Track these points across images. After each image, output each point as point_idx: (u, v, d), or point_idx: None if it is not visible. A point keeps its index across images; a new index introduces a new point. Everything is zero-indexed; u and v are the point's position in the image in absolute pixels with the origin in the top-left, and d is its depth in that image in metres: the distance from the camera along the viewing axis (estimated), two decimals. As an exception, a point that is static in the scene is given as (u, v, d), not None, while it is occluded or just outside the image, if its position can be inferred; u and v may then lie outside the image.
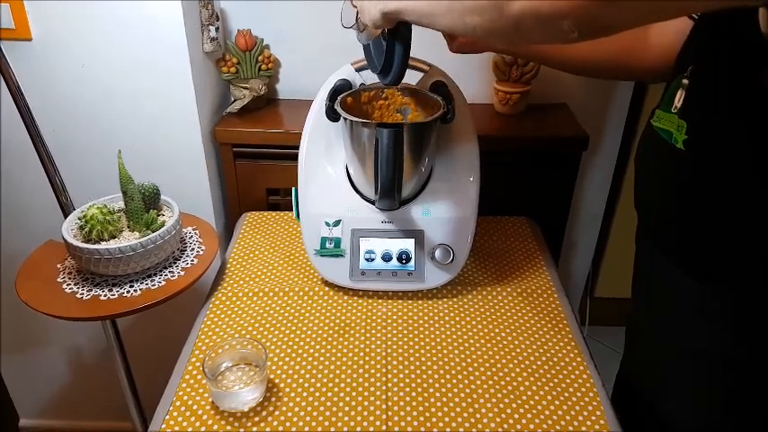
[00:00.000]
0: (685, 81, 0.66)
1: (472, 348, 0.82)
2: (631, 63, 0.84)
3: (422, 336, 0.84)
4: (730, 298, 0.66)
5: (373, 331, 0.85)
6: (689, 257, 0.69)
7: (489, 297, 0.92)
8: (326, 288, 0.93)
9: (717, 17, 0.63)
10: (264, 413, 0.72)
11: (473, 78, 1.21)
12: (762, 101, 0.57)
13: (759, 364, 0.68)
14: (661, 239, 0.74)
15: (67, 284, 0.89)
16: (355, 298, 0.91)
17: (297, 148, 0.94)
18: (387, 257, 0.90)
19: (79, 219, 0.90)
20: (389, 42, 0.71)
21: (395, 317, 0.88)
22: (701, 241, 0.67)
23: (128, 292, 0.87)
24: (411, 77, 0.92)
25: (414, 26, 0.69)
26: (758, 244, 0.62)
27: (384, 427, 0.70)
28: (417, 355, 0.81)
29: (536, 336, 0.84)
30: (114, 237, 0.90)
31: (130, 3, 0.98)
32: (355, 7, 0.72)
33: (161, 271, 0.92)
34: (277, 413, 0.72)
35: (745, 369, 0.68)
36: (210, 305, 0.90)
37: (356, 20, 0.73)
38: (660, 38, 0.80)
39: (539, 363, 0.80)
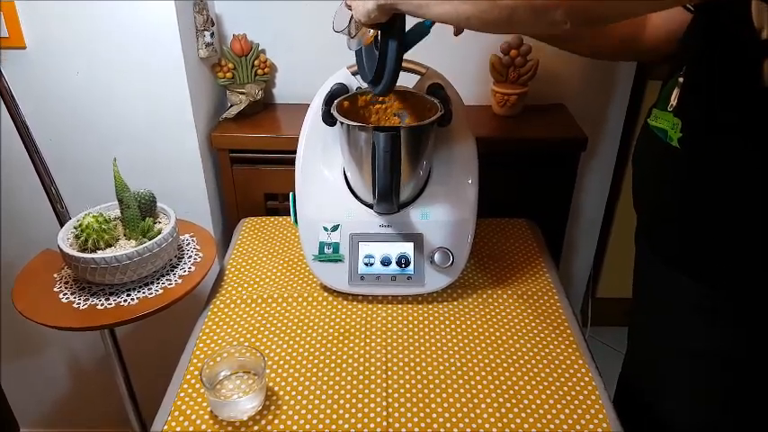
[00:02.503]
0: (681, 79, 0.66)
1: (473, 352, 0.81)
2: (636, 47, 0.84)
3: (422, 340, 0.83)
4: (728, 297, 0.66)
5: (373, 336, 0.84)
6: (686, 257, 0.69)
7: (489, 300, 0.91)
8: (325, 293, 0.93)
9: (711, 13, 0.63)
10: (264, 422, 0.71)
11: (470, 80, 1.20)
12: (756, 97, 0.57)
13: (757, 362, 0.67)
14: (658, 239, 0.74)
15: (64, 294, 0.88)
16: (354, 303, 0.91)
17: (294, 152, 0.93)
18: (386, 261, 0.89)
19: (75, 227, 0.89)
20: (382, 48, 0.71)
21: (395, 321, 0.87)
22: (697, 240, 0.66)
23: (125, 300, 0.87)
24: (408, 80, 0.91)
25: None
26: (754, 242, 0.62)
27: (385, 434, 0.69)
28: (418, 359, 0.80)
29: (537, 338, 0.84)
30: (110, 245, 0.89)
31: (124, 10, 0.97)
32: (350, 9, 0.71)
33: (158, 279, 0.91)
34: (276, 422, 0.71)
35: (743, 368, 0.68)
36: (209, 312, 0.89)
37: (349, 23, 0.72)
38: (655, 28, 0.80)
39: (540, 366, 0.79)
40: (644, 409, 0.81)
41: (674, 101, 0.67)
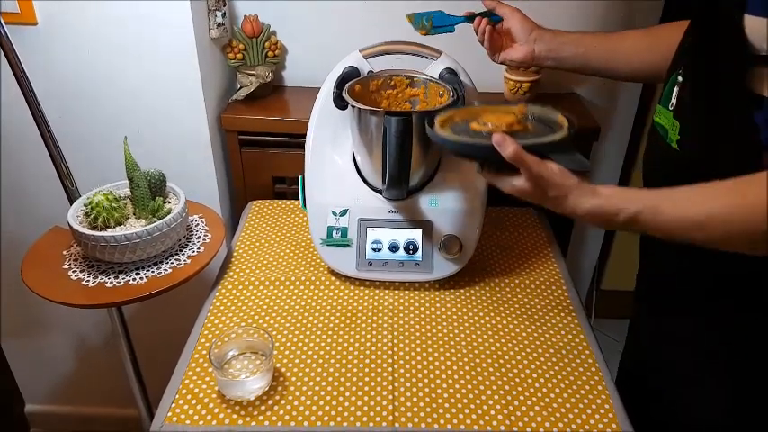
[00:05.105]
0: (680, 79, 0.67)
1: (479, 340, 0.81)
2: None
3: (428, 327, 0.83)
4: (728, 292, 0.67)
5: (380, 321, 0.84)
6: (685, 256, 0.69)
7: (497, 288, 0.91)
8: (333, 278, 0.93)
9: (704, 20, 0.63)
10: (270, 402, 0.72)
11: (483, 67, 1.18)
12: (746, 105, 0.57)
13: (760, 355, 0.67)
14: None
15: (73, 271, 0.89)
16: (362, 288, 0.91)
17: (303, 136, 0.93)
18: (394, 248, 0.89)
19: (85, 205, 0.89)
20: None
21: (401, 307, 0.87)
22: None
23: (134, 279, 0.87)
24: (421, 64, 0.91)
25: None
26: None
27: (390, 417, 0.70)
28: (424, 345, 0.80)
29: (544, 328, 0.84)
30: (120, 224, 0.89)
31: (136, -13, 0.96)
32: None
33: (167, 259, 0.91)
34: (283, 402, 0.72)
35: (746, 357, 0.69)
36: (217, 293, 0.89)
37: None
38: None
39: (547, 355, 0.79)
40: (645, 396, 0.81)
41: (674, 99, 0.67)
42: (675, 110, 0.66)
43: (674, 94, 0.67)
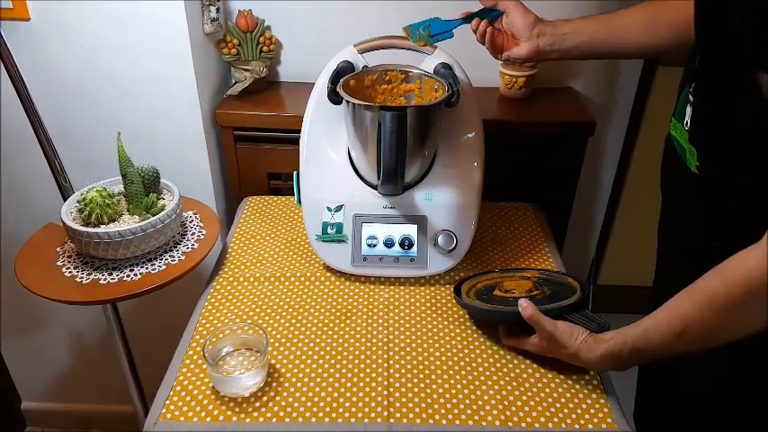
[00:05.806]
0: (691, 98, 0.66)
1: (475, 335, 0.81)
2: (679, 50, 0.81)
3: (424, 322, 0.83)
4: None
5: (375, 317, 0.84)
6: (707, 262, 0.69)
7: (492, 284, 0.91)
8: (328, 273, 0.93)
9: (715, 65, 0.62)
10: (265, 398, 0.71)
11: (478, 61, 1.18)
12: (761, 133, 0.57)
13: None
14: (680, 239, 0.75)
15: (67, 268, 0.88)
16: (357, 284, 0.91)
17: (298, 131, 0.92)
18: (389, 243, 0.89)
19: (78, 202, 0.89)
20: None
21: (397, 303, 0.87)
22: (711, 256, 0.67)
23: (128, 276, 0.86)
24: (416, 58, 0.90)
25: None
26: None
27: (386, 413, 0.70)
28: (419, 341, 0.80)
29: (539, 323, 0.84)
30: (114, 220, 0.89)
31: (129, -18, 0.96)
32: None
33: (161, 255, 0.91)
34: (278, 398, 0.71)
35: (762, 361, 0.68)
36: (211, 290, 0.89)
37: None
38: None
39: (542, 350, 0.79)
40: (667, 403, 0.82)
41: (687, 118, 0.67)
42: (690, 133, 0.66)
43: (688, 113, 0.66)
